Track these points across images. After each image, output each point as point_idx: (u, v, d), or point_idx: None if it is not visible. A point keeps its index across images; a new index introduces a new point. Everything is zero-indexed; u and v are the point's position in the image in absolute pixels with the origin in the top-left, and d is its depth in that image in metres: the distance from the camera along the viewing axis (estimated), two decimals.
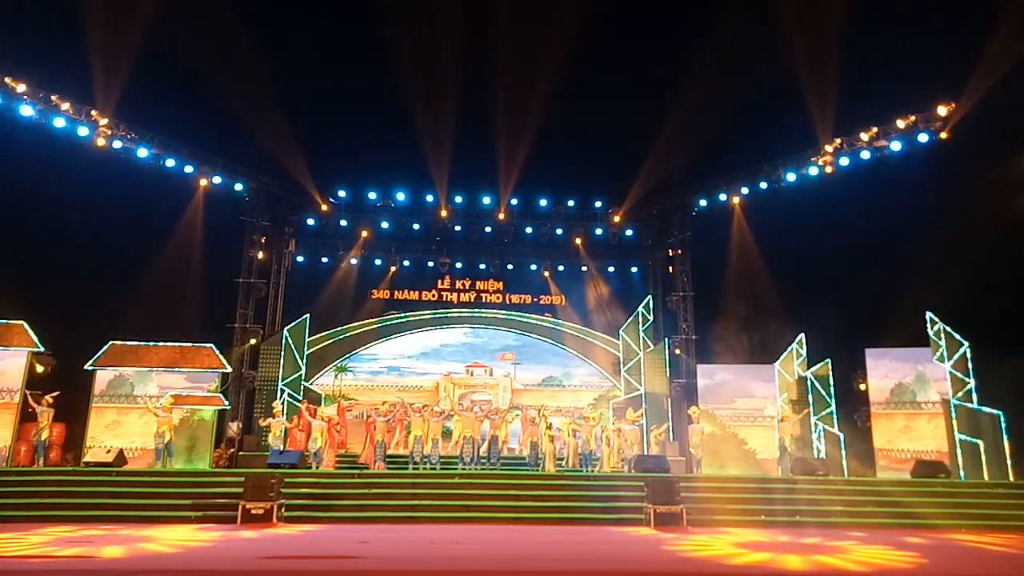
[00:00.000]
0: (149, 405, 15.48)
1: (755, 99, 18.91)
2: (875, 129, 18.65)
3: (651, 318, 20.60)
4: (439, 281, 23.29)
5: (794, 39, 17.62)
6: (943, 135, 17.82)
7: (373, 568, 8.05)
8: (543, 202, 22.59)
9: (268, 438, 15.62)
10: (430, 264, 23.19)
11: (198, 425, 16.26)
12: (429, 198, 22.13)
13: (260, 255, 21.46)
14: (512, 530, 11.40)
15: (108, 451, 14.34)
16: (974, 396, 15.47)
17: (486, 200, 22.35)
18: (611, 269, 23.66)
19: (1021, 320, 15.91)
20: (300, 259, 22.97)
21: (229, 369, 17.66)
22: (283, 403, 18.09)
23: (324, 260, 22.98)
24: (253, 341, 20.74)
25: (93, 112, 17.73)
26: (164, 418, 15.22)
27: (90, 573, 7.51)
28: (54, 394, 15.04)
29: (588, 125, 20.77)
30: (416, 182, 21.93)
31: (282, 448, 15.35)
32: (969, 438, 15.18)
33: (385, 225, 22.34)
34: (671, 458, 16.11)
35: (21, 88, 16.84)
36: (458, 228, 22.79)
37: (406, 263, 23.27)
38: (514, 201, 22.40)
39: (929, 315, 16.22)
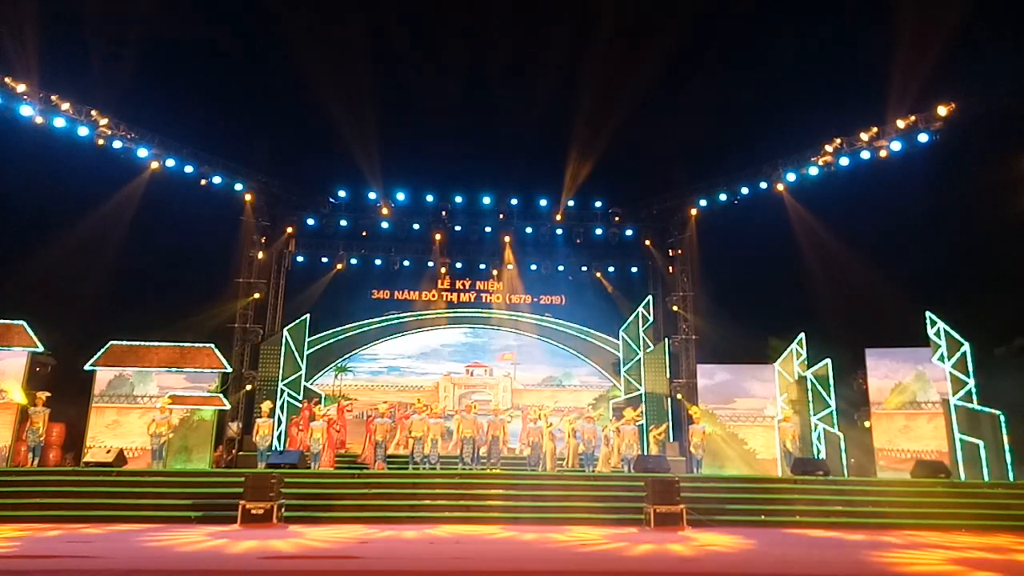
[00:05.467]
0: (149, 426, 15.33)
1: (755, 99, 18.96)
2: (875, 129, 18.65)
3: (651, 318, 20.59)
4: (439, 281, 23.30)
5: (794, 39, 17.66)
6: (943, 135, 17.82)
7: (373, 568, 8.05)
8: (543, 202, 22.60)
9: (256, 438, 15.56)
10: (430, 264, 23.20)
11: (198, 425, 16.26)
12: (429, 198, 22.14)
13: (260, 255, 21.47)
14: (512, 530, 11.39)
15: (108, 451, 14.34)
16: (974, 396, 15.47)
17: (486, 200, 22.35)
18: (611, 269, 23.66)
19: (1021, 320, 15.92)
20: (300, 259, 22.98)
21: (229, 369, 17.66)
22: (283, 403, 18.12)
23: (324, 260, 22.98)
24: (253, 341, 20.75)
25: (93, 112, 17.74)
26: (163, 419, 15.24)
27: (90, 573, 7.50)
28: (46, 393, 15.03)
29: (588, 125, 20.81)
30: (416, 182, 21.98)
31: (270, 448, 15.35)
32: (969, 438, 15.18)
33: (385, 225, 22.35)
34: (671, 458, 16.12)
35: (21, 88, 16.84)
36: (458, 228, 22.80)
37: (406, 263, 23.26)
38: (514, 201, 22.41)
39: (929, 315, 16.21)
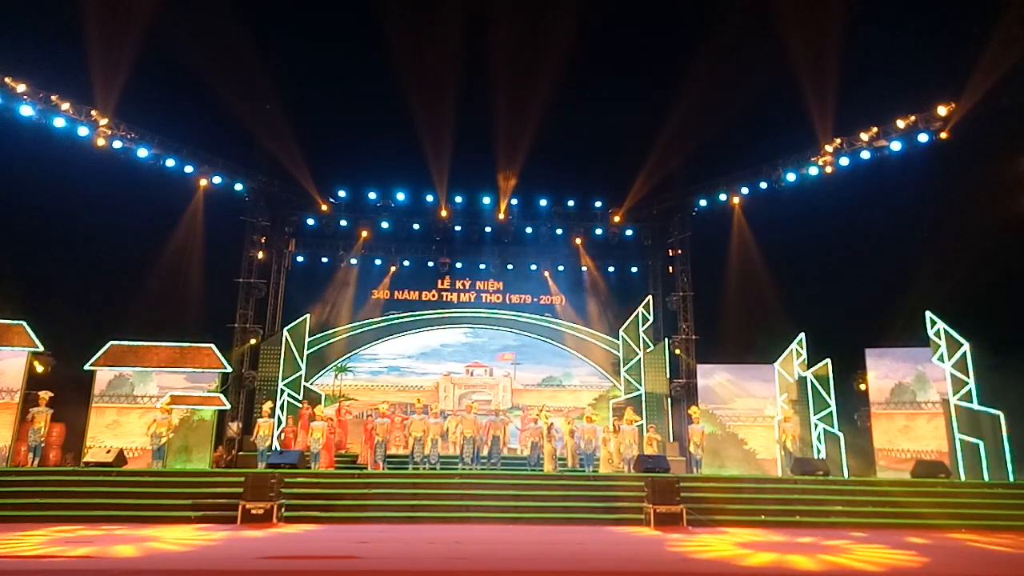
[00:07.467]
0: (149, 425, 15.36)
1: (755, 99, 18.91)
2: (875, 129, 18.65)
3: (651, 318, 20.57)
4: (439, 281, 23.31)
5: (794, 39, 17.63)
6: (943, 135, 17.82)
7: (373, 568, 8.05)
8: (543, 202, 22.60)
9: (255, 438, 15.60)
10: (430, 264, 23.21)
11: (198, 425, 16.26)
12: (429, 198, 22.14)
13: (260, 255, 21.46)
14: (512, 530, 11.39)
15: (108, 451, 14.33)
16: (974, 396, 15.46)
17: (486, 200, 22.35)
18: (611, 269, 23.68)
19: (1021, 320, 15.90)
20: (300, 259, 23.00)
21: (229, 369, 17.66)
22: (283, 404, 18.11)
23: (324, 260, 23.01)
24: (253, 341, 20.75)
25: (93, 112, 17.73)
26: (163, 419, 15.24)
27: (91, 573, 7.50)
28: (48, 393, 15.04)
29: (588, 125, 20.77)
30: (416, 182, 21.97)
31: (270, 448, 15.37)
32: (969, 438, 15.18)
33: (385, 225, 22.35)
34: (671, 458, 16.12)
35: (21, 88, 16.84)
36: (458, 228, 22.80)
37: (406, 263, 23.29)
38: (514, 201, 22.40)
39: (929, 315, 16.21)
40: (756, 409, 17.77)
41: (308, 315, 20.00)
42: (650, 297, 21.21)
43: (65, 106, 17.42)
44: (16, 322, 15.64)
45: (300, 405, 17.92)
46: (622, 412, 17.26)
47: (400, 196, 22.28)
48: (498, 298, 23.43)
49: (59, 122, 17.36)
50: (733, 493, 13.19)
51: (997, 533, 11.66)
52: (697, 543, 9.88)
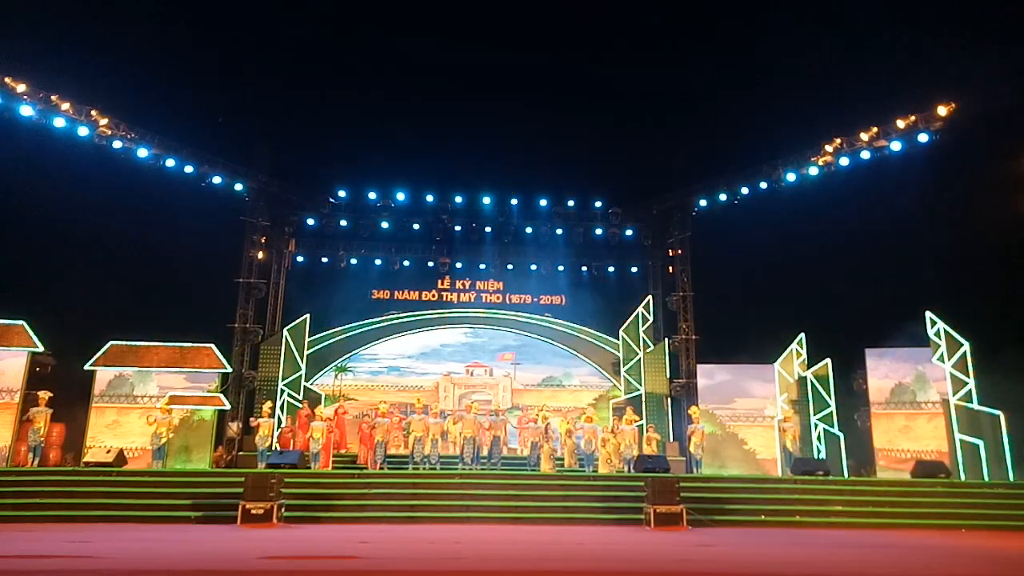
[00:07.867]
0: (149, 418, 15.38)
1: (755, 99, 18.95)
2: (875, 129, 18.65)
3: (651, 318, 20.58)
4: (439, 281, 23.30)
5: (794, 39, 17.66)
6: (943, 135, 17.82)
7: (373, 568, 8.04)
8: (543, 202, 22.59)
9: (255, 438, 15.62)
10: (430, 264, 23.20)
11: (198, 425, 16.26)
12: (429, 198, 22.13)
13: (260, 255, 21.46)
14: (512, 530, 11.39)
15: (108, 451, 14.35)
16: (974, 396, 15.47)
17: (486, 200, 22.35)
18: (611, 269, 23.65)
19: (1021, 320, 15.92)
20: (300, 259, 22.98)
21: (229, 369, 17.66)
22: (283, 404, 18.12)
23: (324, 260, 22.98)
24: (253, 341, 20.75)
25: (93, 112, 17.73)
26: (164, 419, 15.25)
27: (90, 573, 7.50)
28: (48, 393, 15.04)
29: (588, 125, 20.80)
30: (416, 182, 21.98)
31: (270, 448, 15.37)
32: (969, 438, 15.18)
33: (385, 225, 22.33)
34: (671, 458, 16.12)
35: (21, 88, 16.84)
36: (458, 228, 22.78)
37: (406, 263, 23.26)
38: (514, 201, 22.40)
39: (929, 315, 16.22)
40: (756, 409, 17.77)
41: (308, 315, 20.00)
42: (650, 297, 21.21)
43: (65, 106, 17.42)
44: (16, 322, 15.65)
45: (300, 405, 17.92)
46: (622, 412, 17.26)
47: (400, 196, 22.26)
48: (498, 298, 23.42)
49: (59, 122, 17.36)
50: (733, 493, 13.20)
51: (997, 533, 11.66)
52: (697, 543, 9.88)
